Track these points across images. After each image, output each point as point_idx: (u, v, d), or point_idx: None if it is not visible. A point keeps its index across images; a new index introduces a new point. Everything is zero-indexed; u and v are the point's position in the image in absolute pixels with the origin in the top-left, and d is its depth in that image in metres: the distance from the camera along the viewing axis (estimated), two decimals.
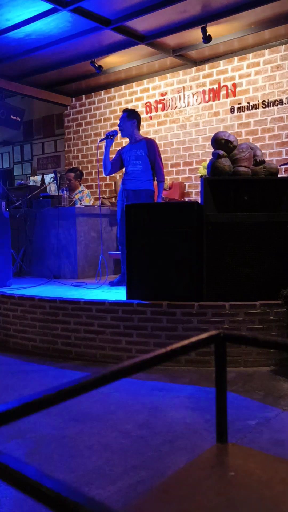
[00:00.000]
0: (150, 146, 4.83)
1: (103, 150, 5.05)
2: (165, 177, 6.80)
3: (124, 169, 5.04)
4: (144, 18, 5.20)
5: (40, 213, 5.83)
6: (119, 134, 5.06)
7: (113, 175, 6.59)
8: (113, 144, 5.10)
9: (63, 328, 3.97)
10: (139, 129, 4.98)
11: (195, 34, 5.59)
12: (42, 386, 3.12)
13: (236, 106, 6.24)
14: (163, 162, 7.03)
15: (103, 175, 5.72)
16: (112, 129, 6.28)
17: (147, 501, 0.90)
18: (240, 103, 6.20)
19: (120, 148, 5.23)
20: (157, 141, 6.86)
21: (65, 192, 5.80)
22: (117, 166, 5.05)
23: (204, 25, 5.35)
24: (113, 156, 5.15)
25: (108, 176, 7.28)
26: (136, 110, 5.16)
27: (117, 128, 5.04)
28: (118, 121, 5.09)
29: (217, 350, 1.12)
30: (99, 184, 6.57)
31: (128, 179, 4.89)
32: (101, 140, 5.02)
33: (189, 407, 2.76)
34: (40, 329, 4.09)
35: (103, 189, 7.58)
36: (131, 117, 4.89)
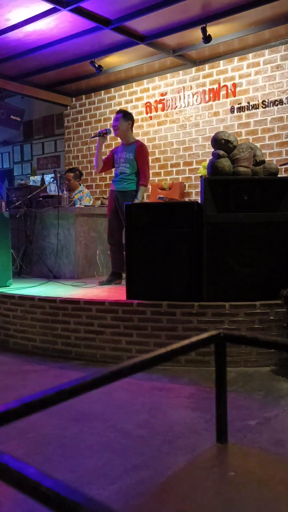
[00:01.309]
0: (138, 150, 4.87)
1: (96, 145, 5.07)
2: (166, 177, 6.81)
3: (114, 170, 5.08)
4: (144, 18, 5.19)
5: (40, 213, 5.82)
6: (112, 134, 5.08)
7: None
8: (104, 145, 5.11)
9: (63, 328, 3.97)
10: (132, 131, 5.02)
11: (195, 34, 5.59)
12: (42, 386, 3.12)
13: (236, 106, 6.24)
14: (163, 162, 7.02)
15: (100, 173, 5.71)
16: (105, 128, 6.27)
17: (147, 501, 0.90)
18: (240, 103, 6.20)
19: (113, 148, 5.24)
20: (157, 141, 6.89)
21: (65, 192, 5.80)
22: (109, 165, 5.12)
23: (204, 25, 5.35)
24: (106, 155, 5.17)
25: (107, 176, 7.28)
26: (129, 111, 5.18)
27: (111, 128, 5.05)
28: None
29: (217, 350, 1.12)
30: (99, 184, 6.57)
31: (116, 180, 4.98)
32: (92, 137, 5.04)
33: (189, 407, 2.76)
34: (40, 329, 4.09)
35: (103, 189, 7.57)
36: (127, 118, 4.93)
